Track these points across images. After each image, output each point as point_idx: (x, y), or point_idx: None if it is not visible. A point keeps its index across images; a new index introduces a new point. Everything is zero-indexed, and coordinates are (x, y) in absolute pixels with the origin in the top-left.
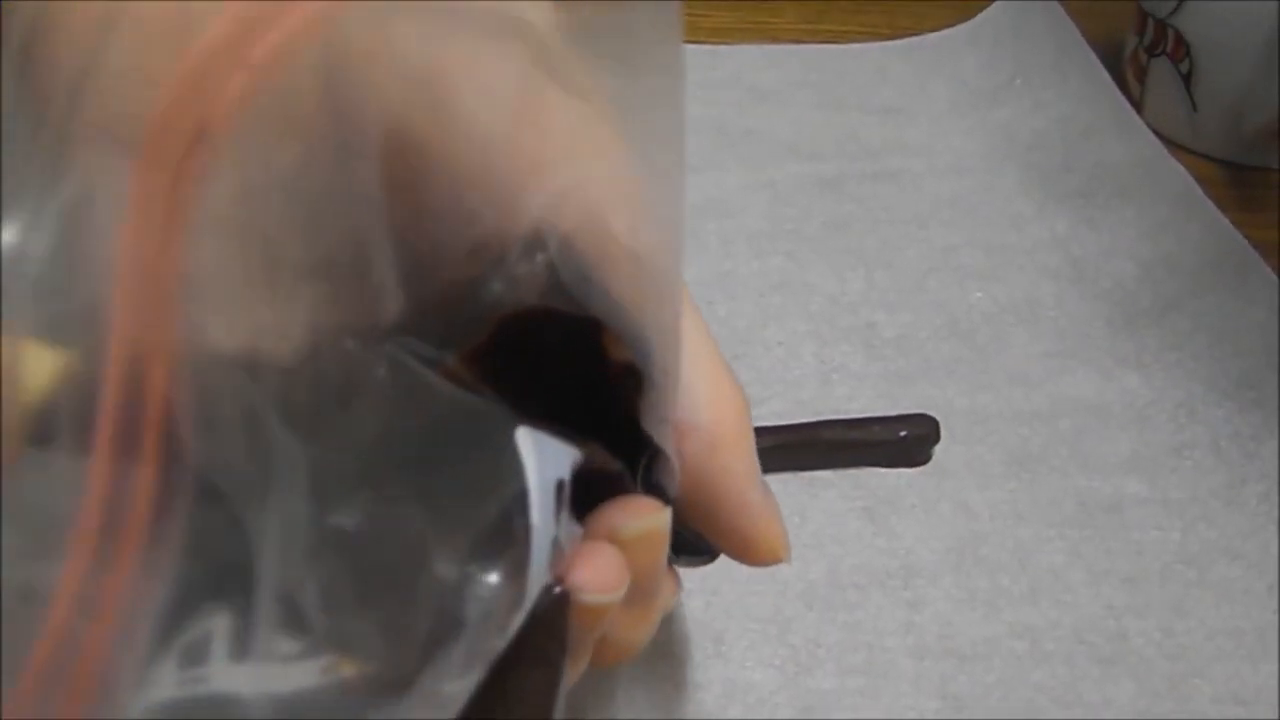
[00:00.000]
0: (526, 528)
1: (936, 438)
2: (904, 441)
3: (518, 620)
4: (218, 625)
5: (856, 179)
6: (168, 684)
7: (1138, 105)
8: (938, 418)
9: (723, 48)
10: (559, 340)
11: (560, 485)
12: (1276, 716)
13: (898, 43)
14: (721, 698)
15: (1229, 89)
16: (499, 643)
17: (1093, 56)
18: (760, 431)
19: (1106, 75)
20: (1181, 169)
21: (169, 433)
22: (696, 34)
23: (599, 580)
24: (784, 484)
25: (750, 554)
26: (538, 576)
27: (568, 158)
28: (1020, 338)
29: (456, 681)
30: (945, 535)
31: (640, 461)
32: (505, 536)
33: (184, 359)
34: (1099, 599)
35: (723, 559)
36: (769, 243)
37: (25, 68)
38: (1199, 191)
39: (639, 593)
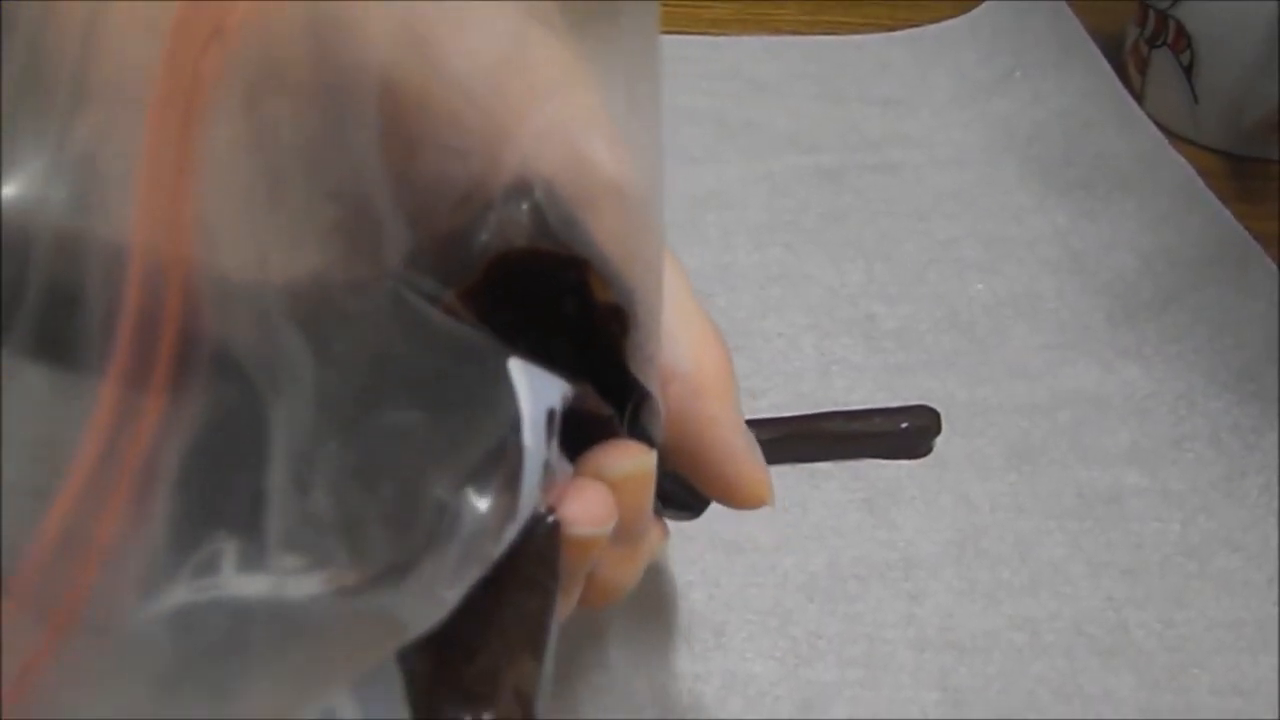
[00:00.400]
0: (519, 447)
1: (937, 429)
2: (905, 433)
3: (511, 532)
4: (227, 547)
5: (856, 171)
6: (179, 592)
7: (1139, 97)
8: (938, 410)
9: (723, 39)
10: (547, 283)
11: (551, 414)
12: (1276, 708)
13: (898, 34)
14: (722, 689)
15: (1230, 81)
16: (493, 549)
17: (1094, 48)
18: (760, 423)
19: (1107, 67)
20: (1182, 161)
21: (183, 347)
22: (697, 25)
23: (588, 514)
24: (784, 476)
25: (735, 497)
26: (530, 494)
27: (548, 98)
28: (1020, 330)
29: (450, 587)
30: (945, 527)
31: (627, 408)
32: (499, 454)
33: (200, 266)
34: (1099, 591)
35: (720, 551)
36: (769, 234)
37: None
38: (1200, 183)
39: (626, 534)
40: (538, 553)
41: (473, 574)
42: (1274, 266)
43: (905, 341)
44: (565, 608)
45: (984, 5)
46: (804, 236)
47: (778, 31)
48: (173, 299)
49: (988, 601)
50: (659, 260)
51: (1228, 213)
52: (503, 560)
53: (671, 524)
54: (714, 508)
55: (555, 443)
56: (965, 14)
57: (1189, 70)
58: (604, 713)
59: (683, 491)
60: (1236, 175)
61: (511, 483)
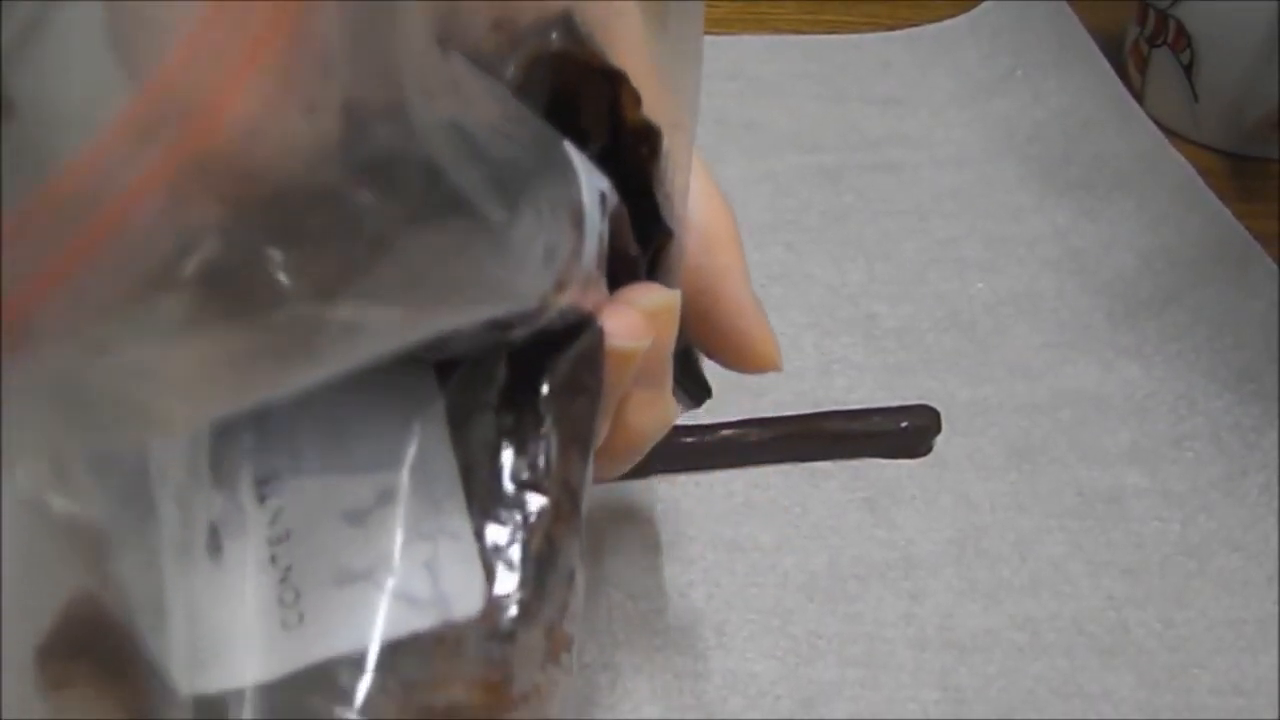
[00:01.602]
0: (580, 202)
1: (937, 429)
2: (905, 432)
3: (576, 275)
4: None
5: (857, 170)
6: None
7: (1139, 96)
8: (938, 409)
9: (723, 38)
10: (579, 100)
11: (603, 195)
12: (1277, 708)
13: (899, 33)
14: (722, 688)
15: (1230, 80)
16: (566, 274)
17: (1094, 47)
18: (761, 422)
19: (1108, 66)
20: (1182, 160)
21: None
22: None
23: (626, 328)
24: (785, 475)
25: (746, 358)
26: (590, 255)
27: None
28: (1021, 329)
29: (531, 296)
30: (946, 527)
31: (648, 254)
32: (566, 194)
33: None
34: (1099, 590)
35: (720, 551)
36: (770, 234)
37: None
38: (1200, 183)
39: (651, 376)
40: (584, 356)
41: (546, 288)
42: (1274, 266)
43: (906, 341)
44: (602, 431)
45: (984, 5)
46: (805, 236)
47: (778, 31)
48: None
49: (988, 601)
50: (696, 85)
51: (1228, 212)
52: (553, 363)
53: (672, 524)
54: (714, 509)
55: (606, 223)
56: (965, 13)
57: (1189, 70)
58: (605, 712)
59: (687, 378)
60: (1236, 175)
61: (578, 224)
